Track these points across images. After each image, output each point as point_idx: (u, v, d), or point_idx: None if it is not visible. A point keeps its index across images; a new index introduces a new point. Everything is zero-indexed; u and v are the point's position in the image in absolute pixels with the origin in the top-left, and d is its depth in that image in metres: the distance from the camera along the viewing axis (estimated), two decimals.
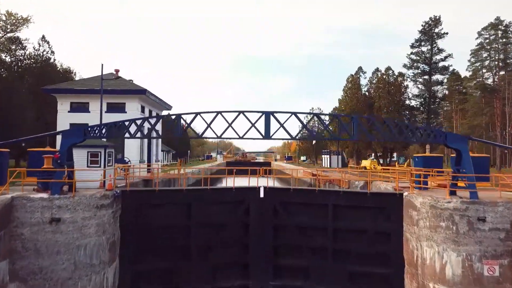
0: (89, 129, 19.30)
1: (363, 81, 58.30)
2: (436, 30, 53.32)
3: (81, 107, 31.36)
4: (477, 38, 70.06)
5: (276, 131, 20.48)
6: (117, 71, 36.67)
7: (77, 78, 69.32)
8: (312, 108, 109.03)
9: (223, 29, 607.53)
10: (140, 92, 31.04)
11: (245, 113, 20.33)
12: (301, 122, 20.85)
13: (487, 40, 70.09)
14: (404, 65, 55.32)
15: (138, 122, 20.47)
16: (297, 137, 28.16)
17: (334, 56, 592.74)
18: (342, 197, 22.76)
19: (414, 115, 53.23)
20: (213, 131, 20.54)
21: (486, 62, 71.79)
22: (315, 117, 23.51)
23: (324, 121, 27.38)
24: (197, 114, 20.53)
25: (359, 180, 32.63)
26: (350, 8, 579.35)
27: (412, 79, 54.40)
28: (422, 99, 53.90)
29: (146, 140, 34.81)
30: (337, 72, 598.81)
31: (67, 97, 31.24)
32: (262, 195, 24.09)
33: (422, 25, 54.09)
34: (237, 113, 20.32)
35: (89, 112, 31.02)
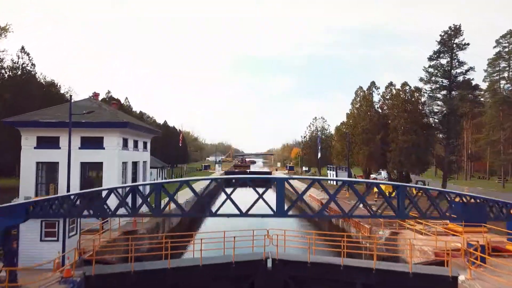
0: (37, 204, 14.10)
1: (376, 97, 53.08)
2: (456, 41, 48.16)
3: (50, 143, 26.08)
4: (495, 47, 65.01)
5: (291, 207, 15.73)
6: (96, 95, 31.56)
7: (62, 91, 64.05)
8: (315, 118, 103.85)
9: (223, 29, 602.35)
10: (120, 126, 25.84)
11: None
12: (328, 192, 15.72)
13: (506, 49, 65.01)
14: (421, 79, 50.20)
15: (120, 190, 15.30)
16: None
17: (334, 56, 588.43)
18: (375, 275, 17.73)
19: (433, 134, 48.05)
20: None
21: (505, 73, 66.74)
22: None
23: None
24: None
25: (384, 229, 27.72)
26: (350, 8, 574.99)
27: (430, 94, 49.22)
28: (440, 116, 48.75)
29: (130, 163, 29.30)
30: (337, 72, 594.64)
31: (32, 131, 25.99)
32: (269, 266, 19.11)
33: (440, 35, 48.96)
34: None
35: (60, 148, 25.75)
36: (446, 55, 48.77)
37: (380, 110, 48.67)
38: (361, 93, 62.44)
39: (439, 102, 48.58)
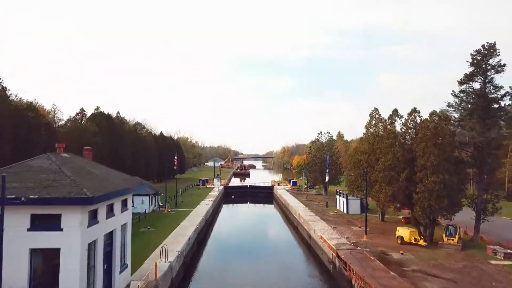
0: None
1: (396, 123, 46.43)
2: (491, 62, 41.62)
3: None
4: None
5: None
6: (60, 146, 24.88)
7: (47, 107, 57.67)
8: (321, 132, 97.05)
9: (221, 30, 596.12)
10: (84, 202, 19.20)
11: None
12: None
13: None
14: (449, 105, 43.65)
15: None
16: None
17: (333, 57, 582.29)
18: None
19: (464, 170, 41.49)
20: None
21: None
22: None
23: None
24: None
25: None
26: (349, 10, 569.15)
27: (461, 123, 42.64)
28: (472, 148, 42.21)
29: (101, 237, 22.65)
30: (336, 72, 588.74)
31: None
32: None
33: (471, 55, 42.42)
34: None
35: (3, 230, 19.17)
36: (479, 78, 42.18)
37: (402, 141, 41.90)
38: (376, 115, 55.94)
39: (470, 132, 41.96)
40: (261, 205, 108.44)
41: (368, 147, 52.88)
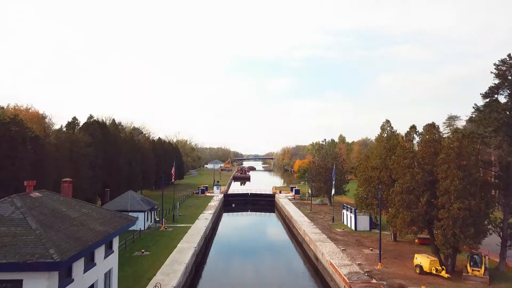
0: None
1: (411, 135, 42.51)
2: None
3: None
4: None
5: None
6: (30, 184, 21.00)
7: (44, 111, 53.87)
8: (325, 140, 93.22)
9: (220, 31, 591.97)
10: (49, 268, 15.31)
11: None
12: None
13: None
14: (470, 119, 39.79)
15: None
16: None
17: (333, 58, 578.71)
18: None
19: (489, 192, 37.60)
20: None
21: None
22: None
23: None
24: None
25: None
26: (347, 10, 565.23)
27: (484, 140, 38.78)
28: (498, 169, 38.34)
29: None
30: (335, 73, 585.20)
31: None
32: None
33: (496, 65, 38.60)
34: None
35: None
36: (505, 90, 38.32)
37: (421, 160, 37.97)
38: (388, 128, 52.12)
39: (496, 151, 38.10)
40: (262, 214, 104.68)
41: (380, 163, 48.98)
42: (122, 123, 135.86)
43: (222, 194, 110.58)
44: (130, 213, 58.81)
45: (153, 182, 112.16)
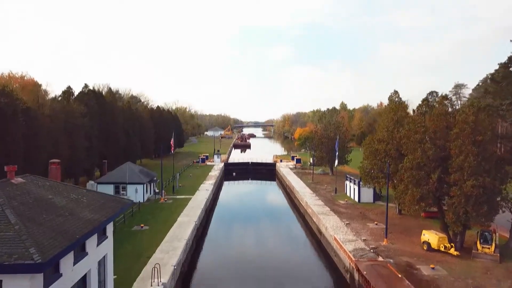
0: None
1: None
2: None
3: None
4: None
5: None
6: (11, 170, 19.11)
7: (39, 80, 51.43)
8: (328, 109, 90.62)
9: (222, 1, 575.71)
10: (29, 270, 13.64)
11: None
12: None
13: None
14: (486, 91, 37.51)
15: None
16: None
17: (333, 25, 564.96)
18: None
19: (503, 167, 35.79)
20: None
21: None
22: None
23: None
24: None
25: None
26: None
27: (500, 113, 36.62)
28: None
29: None
30: (336, 40, 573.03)
31: None
32: None
33: None
34: None
35: None
36: None
37: (433, 135, 35.96)
38: (397, 99, 49.79)
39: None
40: (263, 182, 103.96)
41: (387, 135, 47.01)
42: (119, 91, 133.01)
43: (223, 163, 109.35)
44: (128, 186, 57.63)
45: (152, 151, 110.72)
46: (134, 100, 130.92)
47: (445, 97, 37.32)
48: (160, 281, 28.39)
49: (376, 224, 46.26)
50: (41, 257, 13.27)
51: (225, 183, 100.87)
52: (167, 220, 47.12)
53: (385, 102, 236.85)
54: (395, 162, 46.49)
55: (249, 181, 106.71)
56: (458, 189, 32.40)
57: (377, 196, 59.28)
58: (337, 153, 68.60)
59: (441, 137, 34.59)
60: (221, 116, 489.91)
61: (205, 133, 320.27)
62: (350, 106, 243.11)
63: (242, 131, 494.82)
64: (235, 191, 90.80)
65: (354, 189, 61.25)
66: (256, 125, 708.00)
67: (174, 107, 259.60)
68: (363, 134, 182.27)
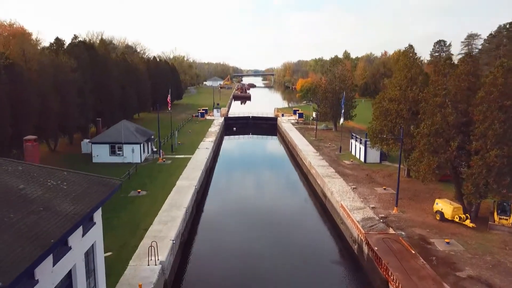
0: None
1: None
2: None
3: None
4: None
5: None
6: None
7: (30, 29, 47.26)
8: (332, 59, 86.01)
9: None
10: None
11: None
12: None
13: None
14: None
15: None
16: None
17: None
18: None
19: None
20: None
21: None
22: None
23: None
24: None
25: None
26: None
27: None
28: None
29: None
30: None
31: None
32: None
33: None
34: None
35: None
36: None
37: (454, 98, 32.69)
38: (412, 55, 45.85)
39: None
40: (264, 137, 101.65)
41: (400, 94, 43.69)
42: (114, 41, 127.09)
43: (223, 118, 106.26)
44: (124, 145, 55.06)
45: (149, 104, 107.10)
46: (129, 50, 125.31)
47: (469, 54, 33.60)
48: (158, 259, 26.49)
49: (385, 189, 44.16)
50: (1, 280, 10.74)
51: (225, 138, 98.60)
52: (165, 184, 44.98)
53: (389, 51, 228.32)
54: (407, 124, 43.65)
55: (250, 135, 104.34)
56: (479, 159, 29.75)
57: (383, 156, 56.91)
58: (343, 110, 65.24)
59: (462, 100, 31.38)
60: (220, 64, 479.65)
61: (204, 83, 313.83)
62: (353, 55, 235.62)
63: (241, 80, 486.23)
64: (236, 148, 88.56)
65: (360, 148, 58.76)
66: (256, 74, 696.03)
67: (171, 56, 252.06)
68: (366, 85, 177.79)
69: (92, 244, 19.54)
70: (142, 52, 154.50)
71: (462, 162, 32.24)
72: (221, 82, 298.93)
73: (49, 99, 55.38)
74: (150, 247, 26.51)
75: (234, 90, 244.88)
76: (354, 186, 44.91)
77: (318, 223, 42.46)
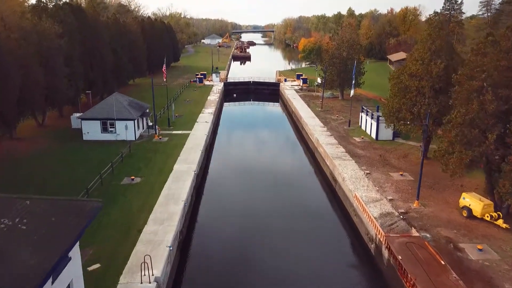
0: None
1: None
2: None
3: None
4: None
5: None
6: None
7: None
8: (340, 26, 79.64)
9: None
10: None
11: None
12: None
13: None
14: None
15: None
16: None
17: None
18: None
19: None
20: None
21: None
22: None
23: None
24: None
25: None
26: None
27: None
28: None
29: None
30: None
31: None
32: None
33: None
34: None
35: None
36: None
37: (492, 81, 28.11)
38: (437, 24, 40.55)
39: None
40: (266, 103, 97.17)
41: (422, 69, 38.97)
42: (105, 0, 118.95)
43: (222, 84, 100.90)
44: (117, 122, 50.89)
45: (145, 69, 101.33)
46: (122, 10, 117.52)
47: (510, 27, 28.65)
48: (152, 274, 23.09)
49: (402, 174, 40.37)
50: None
51: (225, 104, 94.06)
52: (162, 169, 41.18)
53: (396, 8, 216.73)
54: (428, 102, 39.27)
55: (251, 102, 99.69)
56: None
57: (396, 133, 52.79)
58: (353, 82, 60.14)
59: (502, 84, 26.89)
60: (219, 21, 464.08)
61: (202, 41, 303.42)
62: (356, 11, 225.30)
63: (240, 37, 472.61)
64: (236, 118, 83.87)
65: (371, 124, 54.50)
66: (255, 30, 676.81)
67: (168, 13, 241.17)
68: (371, 45, 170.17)
69: (69, 284, 15.90)
70: (136, 10, 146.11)
71: (499, 156, 28.17)
72: (220, 40, 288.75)
73: (33, 70, 50.55)
74: (143, 263, 22.98)
75: (233, 49, 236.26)
76: (368, 171, 41.14)
77: (329, 213, 39.07)
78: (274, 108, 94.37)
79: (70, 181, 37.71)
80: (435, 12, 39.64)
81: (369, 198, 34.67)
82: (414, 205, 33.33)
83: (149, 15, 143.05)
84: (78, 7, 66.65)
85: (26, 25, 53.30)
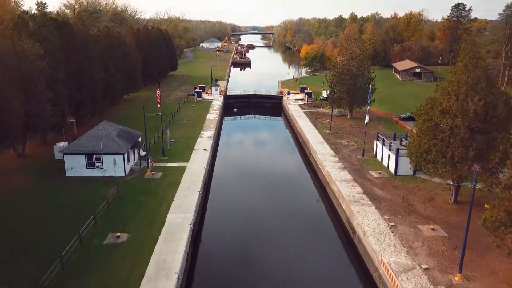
0: None
1: None
2: None
3: None
4: None
5: None
6: None
7: None
8: (349, 38, 74.22)
9: None
10: None
11: None
12: None
13: None
14: None
15: None
16: None
17: None
18: None
19: None
20: None
21: None
22: None
23: None
24: None
25: None
26: None
27: None
28: None
29: None
30: None
31: None
32: None
33: None
34: None
35: None
36: None
37: None
38: (475, 57, 34.77)
39: None
40: (268, 118, 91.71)
41: (456, 105, 33.38)
42: (99, 8, 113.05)
43: (222, 97, 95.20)
44: (104, 156, 45.22)
45: (140, 82, 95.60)
46: (116, 18, 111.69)
47: None
48: None
49: (433, 229, 34.54)
50: None
51: (225, 118, 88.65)
52: (152, 221, 35.38)
53: (400, 13, 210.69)
54: (465, 144, 33.70)
55: (252, 116, 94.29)
56: None
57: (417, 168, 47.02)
58: (368, 108, 54.06)
59: None
60: (218, 23, 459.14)
61: (201, 45, 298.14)
62: (357, 13, 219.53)
63: (240, 39, 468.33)
64: (237, 138, 77.96)
65: (389, 155, 48.80)
66: (254, 31, 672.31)
67: (166, 17, 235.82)
68: (376, 52, 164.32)
69: None
70: (133, 14, 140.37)
71: None
72: (219, 44, 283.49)
73: (10, 96, 44.87)
74: None
75: (233, 54, 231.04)
76: (392, 223, 35.37)
77: (348, 271, 33.41)
78: (277, 123, 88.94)
79: (42, 234, 32.42)
80: (472, 40, 33.74)
81: (399, 265, 29.00)
82: (456, 278, 27.60)
83: (147, 20, 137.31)
84: (64, 22, 60.75)
85: (3, 45, 47.54)
